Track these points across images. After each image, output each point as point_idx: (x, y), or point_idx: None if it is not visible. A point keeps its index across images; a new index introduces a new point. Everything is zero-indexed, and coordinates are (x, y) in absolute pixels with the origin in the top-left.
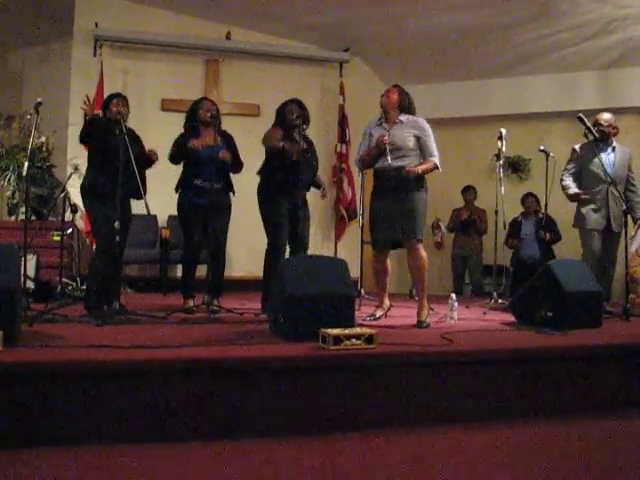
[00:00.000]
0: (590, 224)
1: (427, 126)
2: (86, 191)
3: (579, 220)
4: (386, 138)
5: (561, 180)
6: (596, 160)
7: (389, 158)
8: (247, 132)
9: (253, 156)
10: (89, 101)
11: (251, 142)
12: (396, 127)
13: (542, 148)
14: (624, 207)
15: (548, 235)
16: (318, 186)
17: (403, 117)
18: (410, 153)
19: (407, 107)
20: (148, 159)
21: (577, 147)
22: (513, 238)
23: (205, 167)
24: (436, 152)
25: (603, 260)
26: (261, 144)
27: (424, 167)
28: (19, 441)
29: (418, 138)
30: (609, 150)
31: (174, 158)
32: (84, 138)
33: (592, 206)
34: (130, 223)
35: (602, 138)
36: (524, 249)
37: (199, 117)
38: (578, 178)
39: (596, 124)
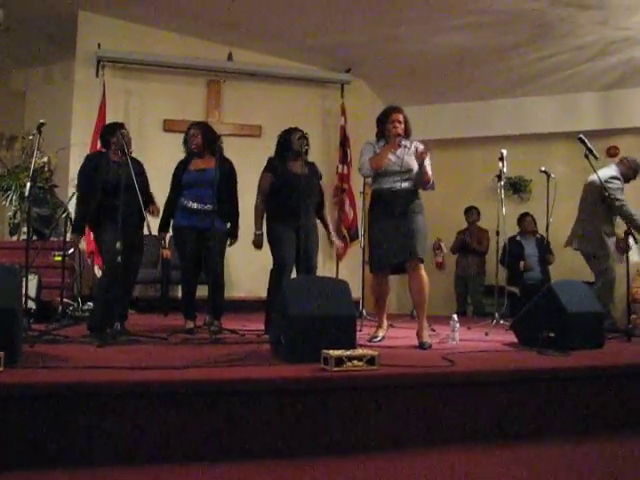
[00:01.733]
0: (613, 254)
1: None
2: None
3: (603, 249)
4: (400, 139)
5: (624, 207)
6: None
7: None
8: (249, 153)
9: (255, 176)
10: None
11: (253, 163)
12: (401, 151)
13: (543, 169)
14: None
15: (552, 257)
16: (325, 226)
17: (406, 142)
18: (414, 175)
19: (409, 130)
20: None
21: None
22: (516, 258)
23: (194, 189)
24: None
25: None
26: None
27: (429, 169)
28: (19, 462)
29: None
30: None
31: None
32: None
33: (614, 237)
34: (142, 248)
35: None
36: (526, 271)
37: (189, 148)
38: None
39: None
